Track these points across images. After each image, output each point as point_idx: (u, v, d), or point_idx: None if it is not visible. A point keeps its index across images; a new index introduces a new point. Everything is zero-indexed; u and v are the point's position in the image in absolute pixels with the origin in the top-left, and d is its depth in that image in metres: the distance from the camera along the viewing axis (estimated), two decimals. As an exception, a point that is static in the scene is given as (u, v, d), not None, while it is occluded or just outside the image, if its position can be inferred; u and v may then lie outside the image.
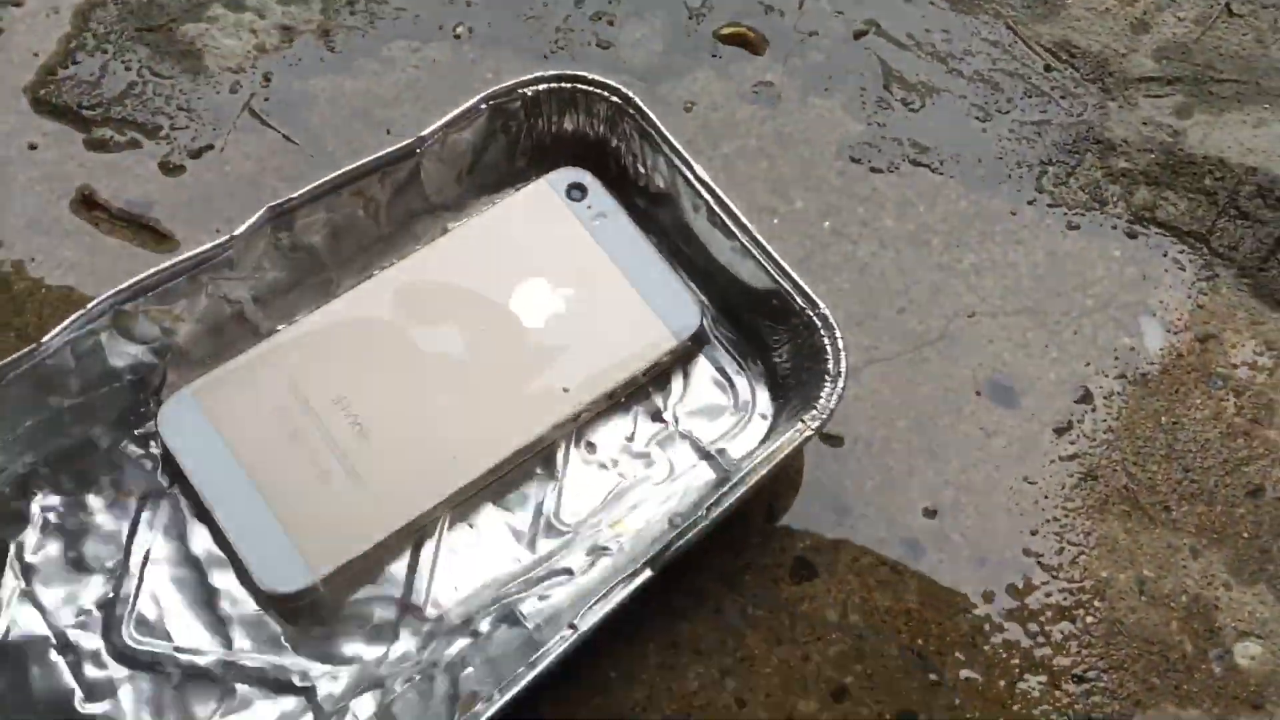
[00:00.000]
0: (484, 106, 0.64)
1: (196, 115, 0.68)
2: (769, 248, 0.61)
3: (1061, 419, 0.64)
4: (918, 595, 0.60)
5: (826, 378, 0.59)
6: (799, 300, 0.60)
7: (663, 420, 0.62)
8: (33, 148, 0.67)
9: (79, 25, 0.70)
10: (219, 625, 0.57)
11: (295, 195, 0.59)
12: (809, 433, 0.57)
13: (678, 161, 0.63)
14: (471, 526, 0.60)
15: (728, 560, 0.60)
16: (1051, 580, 0.60)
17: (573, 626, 0.53)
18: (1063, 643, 0.59)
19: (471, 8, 0.73)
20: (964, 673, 0.58)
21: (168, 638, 0.57)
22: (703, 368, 0.64)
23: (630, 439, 0.62)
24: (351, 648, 0.57)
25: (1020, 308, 0.67)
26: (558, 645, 0.53)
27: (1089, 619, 0.60)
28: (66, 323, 0.56)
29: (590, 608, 0.53)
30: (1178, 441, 0.64)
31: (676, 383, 0.63)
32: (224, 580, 0.58)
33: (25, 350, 0.55)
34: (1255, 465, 0.64)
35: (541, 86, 0.65)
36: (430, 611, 0.57)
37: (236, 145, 0.67)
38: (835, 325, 0.59)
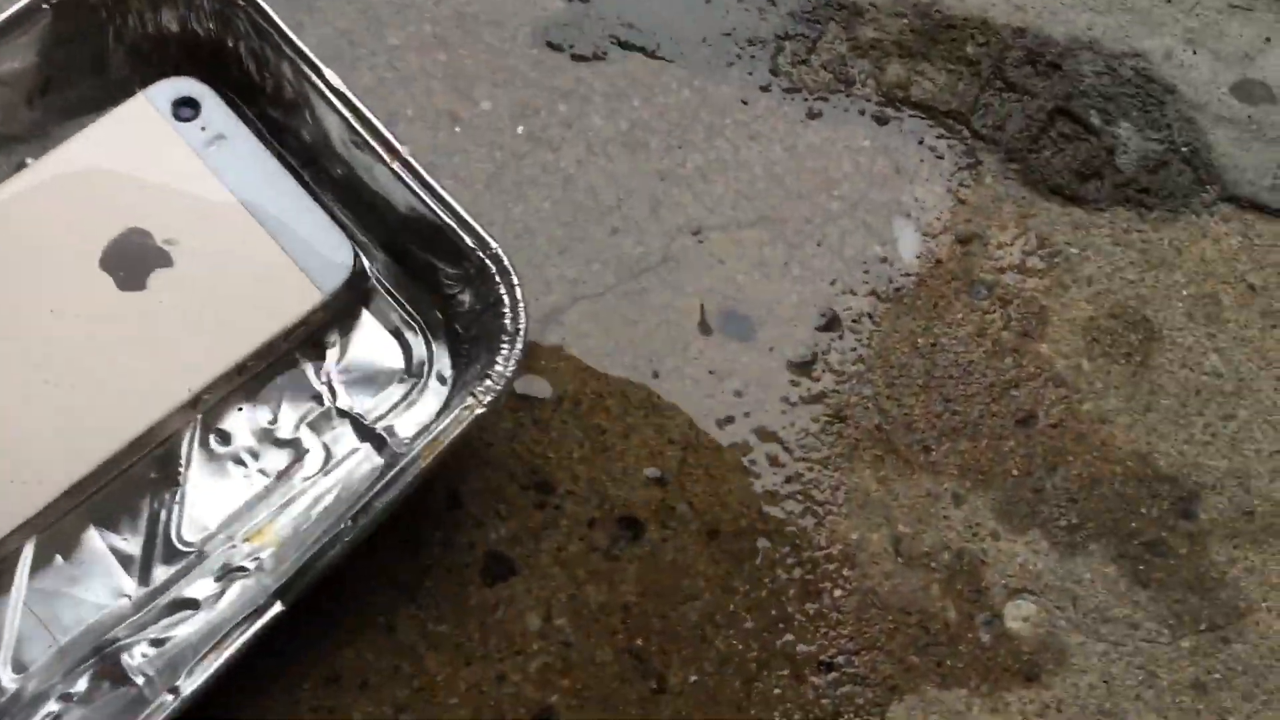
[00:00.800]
0: (45, 5, 0.49)
1: None
2: (423, 173, 0.48)
3: (804, 352, 0.54)
4: (636, 585, 0.50)
5: (504, 336, 0.47)
6: (467, 239, 0.48)
7: (315, 396, 0.50)
8: None
9: None
10: None
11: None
12: (480, 409, 0.45)
13: (304, 66, 0.49)
14: (65, 558, 0.47)
15: (402, 564, 0.49)
16: (793, 551, 0.51)
17: (174, 691, 0.41)
18: (807, 625, 0.50)
19: None
20: (692, 676, 0.49)
21: None
22: (366, 325, 0.51)
23: (273, 423, 0.49)
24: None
25: (755, 218, 0.56)
26: (161, 711, 0.41)
27: (837, 592, 0.51)
28: None
29: (199, 662, 0.42)
30: (937, 367, 0.55)
31: (332, 347, 0.51)
32: None
33: None
34: (1025, 388, 0.55)
35: None
36: (6, 680, 0.45)
37: None
38: (510, 270, 0.47)
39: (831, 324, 0.55)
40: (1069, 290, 0.57)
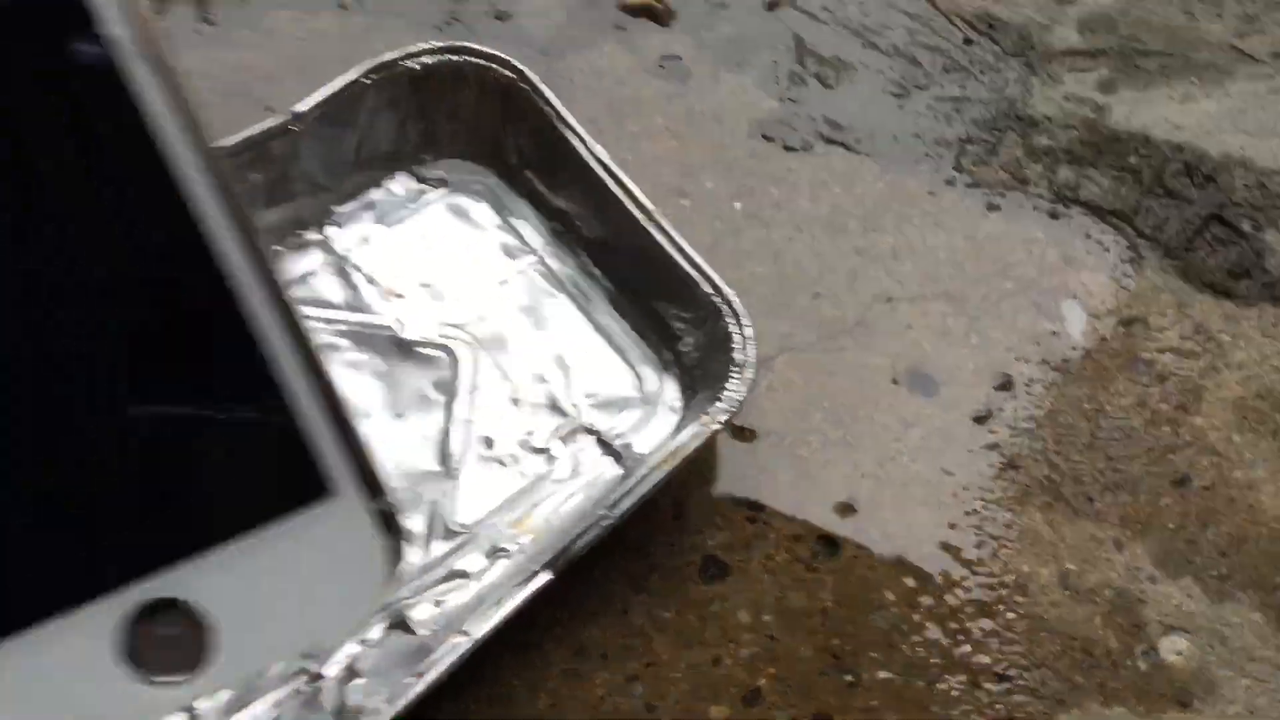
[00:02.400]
0: (367, 81, 0.60)
1: (60, 91, 0.63)
2: (671, 231, 0.57)
3: (981, 408, 0.62)
4: (833, 594, 0.57)
5: (734, 367, 0.55)
6: (704, 286, 0.57)
7: (564, 413, 0.59)
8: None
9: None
10: None
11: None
12: (715, 426, 0.54)
13: (574, 140, 0.59)
14: (358, 530, 0.55)
15: (634, 560, 0.57)
16: (971, 575, 0.58)
17: (464, 633, 0.49)
18: (983, 640, 0.56)
19: (361, -23, 0.68)
20: (881, 674, 0.55)
21: None
22: (608, 356, 0.61)
23: (530, 434, 0.58)
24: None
25: (939, 293, 0.64)
26: (449, 653, 0.49)
27: (1010, 615, 0.57)
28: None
29: (484, 613, 0.50)
30: (1101, 430, 0.62)
31: (582, 373, 0.60)
32: None
33: None
34: (1181, 454, 0.61)
35: (429, 59, 0.61)
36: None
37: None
38: (741, 312, 0.56)
39: (1006, 385, 0.62)
40: (1221, 373, 0.64)
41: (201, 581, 0.21)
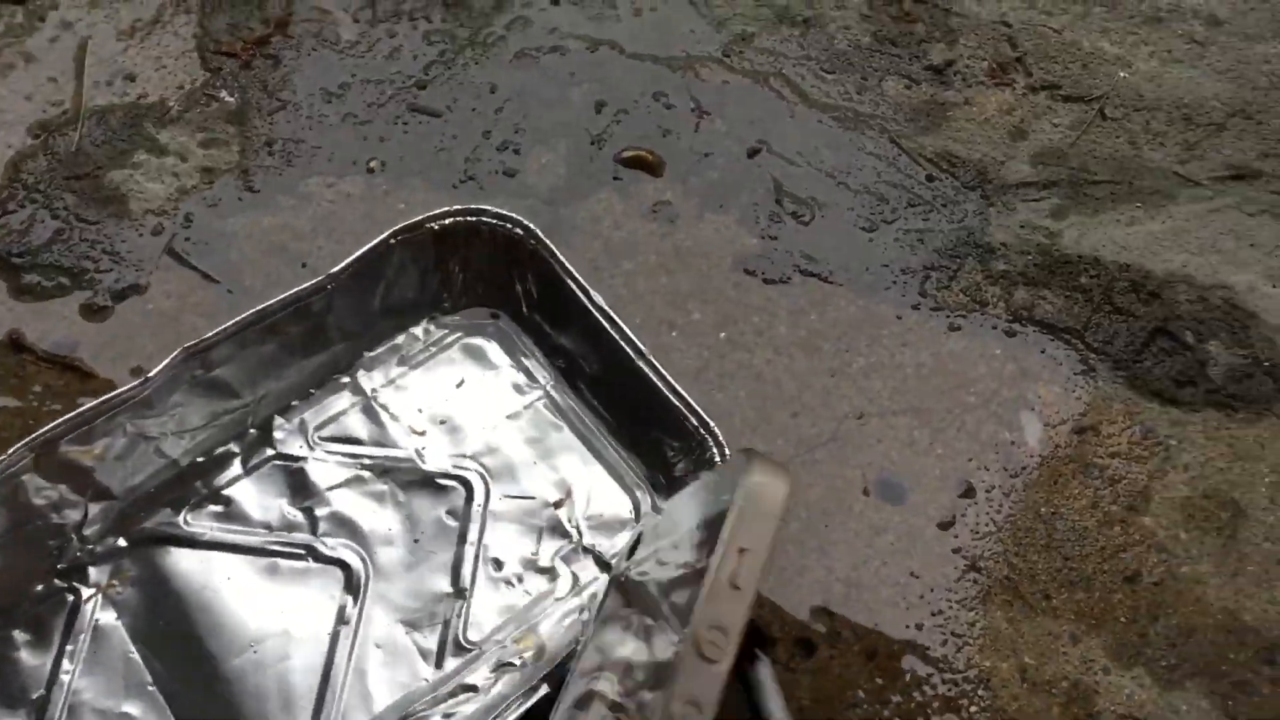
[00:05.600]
0: (393, 241, 0.68)
1: (120, 258, 0.72)
2: (660, 368, 0.64)
3: (946, 514, 0.68)
4: (809, 693, 0.63)
5: (720, 492, 0.62)
6: (691, 419, 0.64)
7: (566, 535, 0.66)
8: (-32, 293, 0.71)
9: (10, 176, 0.74)
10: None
11: (209, 335, 0.63)
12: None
13: (573, 288, 0.67)
14: (380, 649, 0.62)
15: (628, 664, 0.63)
16: (937, 672, 0.64)
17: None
18: (948, 732, 0.62)
19: (384, 143, 0.77)
20: (853, 765, 0.61)
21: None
22: (606, 482, 0.67)
23: (535, 554, 0.65)
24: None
25: (906, 407, 0.71)
26: (455, 758, 0.56)
27: (974, 709, 0.63)
28: (-12, 468, 0.59)
29: (486, 724, 0.57)
30: (1057, 531, 0.67)
31: (583, 498, 0.67)
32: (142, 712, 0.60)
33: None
34: (1131, 551, 0.67)
35: (448, 220, 0.69)
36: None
37: (159, 284, 0.72)
38: (724, 443, 0.62)
39: (968, 492, 0.68)
40: (1168, 474, 0.69)
41: None
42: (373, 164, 0.76)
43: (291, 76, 0.78)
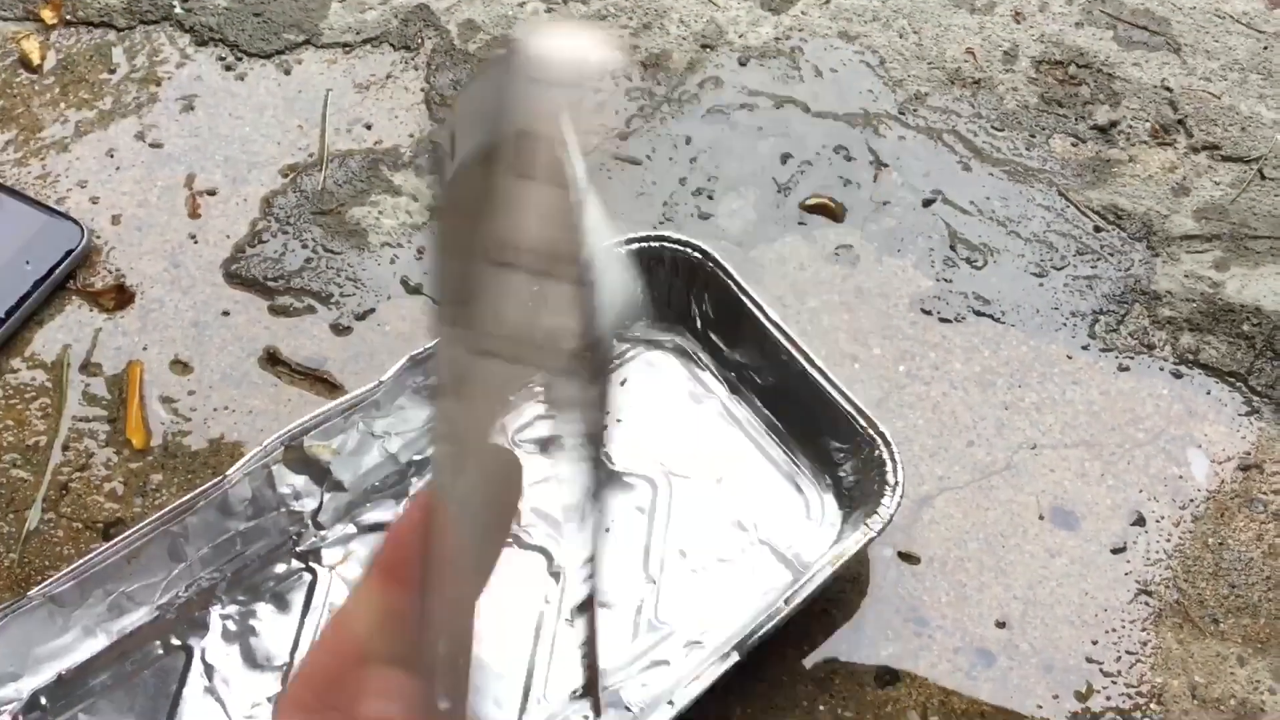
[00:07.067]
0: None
1: (361, 284, 0.81)
2: (832, 376, 0.70)
3: (1118, 540, 0.72)
4: (990, 699, 0.68)
5: (887, 488, 0.68)
6: (860, 421, 0.69)
7: (743, 529, 0.72)
8: (225, 314, 0.80)
9: (264, 210, 0.84)
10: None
11: (429, 345, 0.71)
12: (872, 534, 0.66)
13: (750, 305, 0.73)
14: (570, 624, 0.69)
15: (819, 666, 0.69)
16: (1111, 685, 0.68)
17: (670, 703, 0.62)
18: (1123, 742, 0.66)
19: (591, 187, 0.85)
20: (1033, 768, 0.66)
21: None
22: (779, 483, 0.73)
23: (716, 547, 0.71)
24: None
25: (1078, 441, 0.76)
26: (660, 716, 0.62)
27: (1146, 721, 0.67)
28: (246, 458, 0.68)
29: (686, 687, 0.62)
30: (1224, 560, 0.71)
31: (757, 496, 0.73)
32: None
33: (213, 481, 0.67)
34: (1297, 582, 0.71)
35: (635, 245, 0.76)
36: (549, 693, 0.67)
37: (394, 308, 0.80)
38: (893, 442, 0.68)
39: (1139, 521, 0.73)
40: (1333, 512, 0.73)
41: None
42: (581, 205, 0.84)
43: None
